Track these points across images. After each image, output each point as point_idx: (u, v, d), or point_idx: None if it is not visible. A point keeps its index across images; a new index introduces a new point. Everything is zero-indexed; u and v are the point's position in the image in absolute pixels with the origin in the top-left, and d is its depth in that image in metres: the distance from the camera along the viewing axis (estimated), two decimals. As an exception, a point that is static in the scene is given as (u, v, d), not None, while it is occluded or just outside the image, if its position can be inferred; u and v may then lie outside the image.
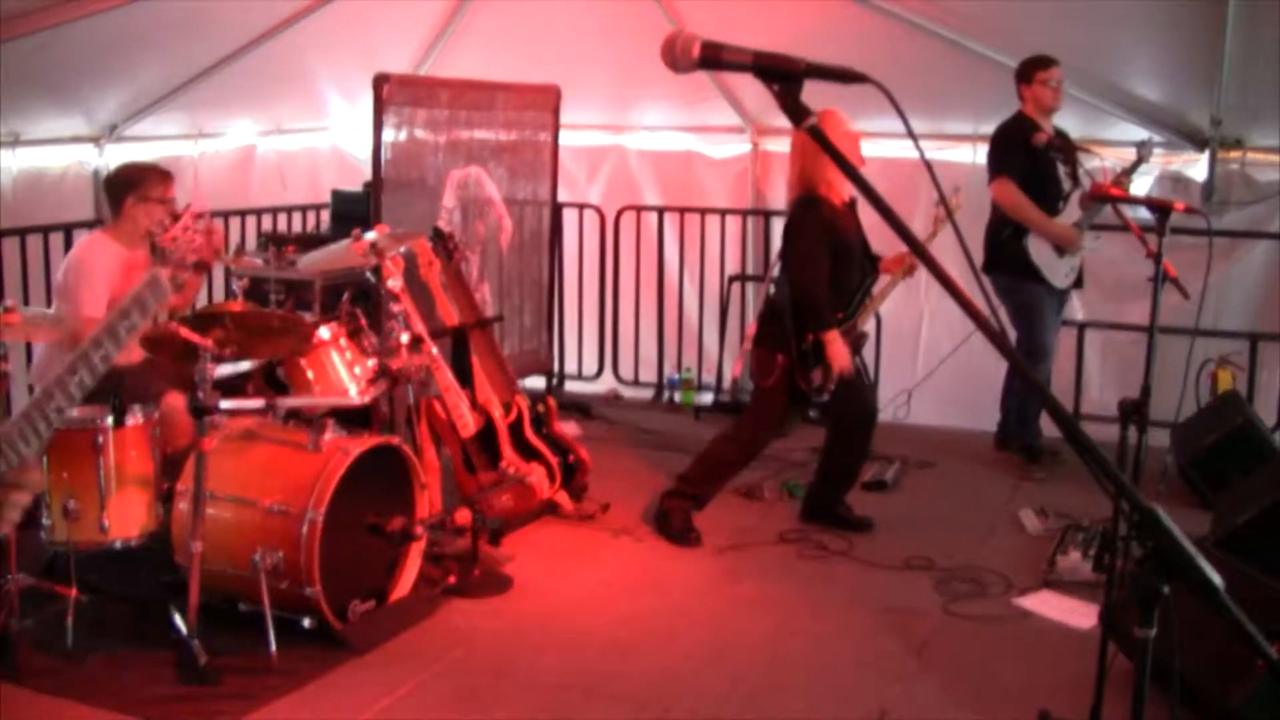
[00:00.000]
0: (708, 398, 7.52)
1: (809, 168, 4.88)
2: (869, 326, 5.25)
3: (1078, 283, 6.06)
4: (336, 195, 7.53)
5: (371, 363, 4.60)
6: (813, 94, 1.52)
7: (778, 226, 7.51)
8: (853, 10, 6.48)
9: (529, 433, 5.24)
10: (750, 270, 7.76)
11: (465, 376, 5.23)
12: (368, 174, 7.90)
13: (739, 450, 5.24)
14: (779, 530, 5.24)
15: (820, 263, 4.85)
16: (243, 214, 7.43)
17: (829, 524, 5.26)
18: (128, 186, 4.66)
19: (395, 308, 4.68)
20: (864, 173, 1.49)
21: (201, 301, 5.97)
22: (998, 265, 5.85)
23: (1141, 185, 6.33)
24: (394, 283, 4.66)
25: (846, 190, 4.97)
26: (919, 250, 1.56)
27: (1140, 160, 5.62)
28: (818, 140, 1.53)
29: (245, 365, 4.77)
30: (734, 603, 4.55)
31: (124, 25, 5.47)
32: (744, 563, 4.92)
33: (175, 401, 4.45)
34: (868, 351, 7.24)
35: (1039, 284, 5.84)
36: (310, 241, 6.60)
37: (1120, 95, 6.44)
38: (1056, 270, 5.85)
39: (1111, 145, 6.46)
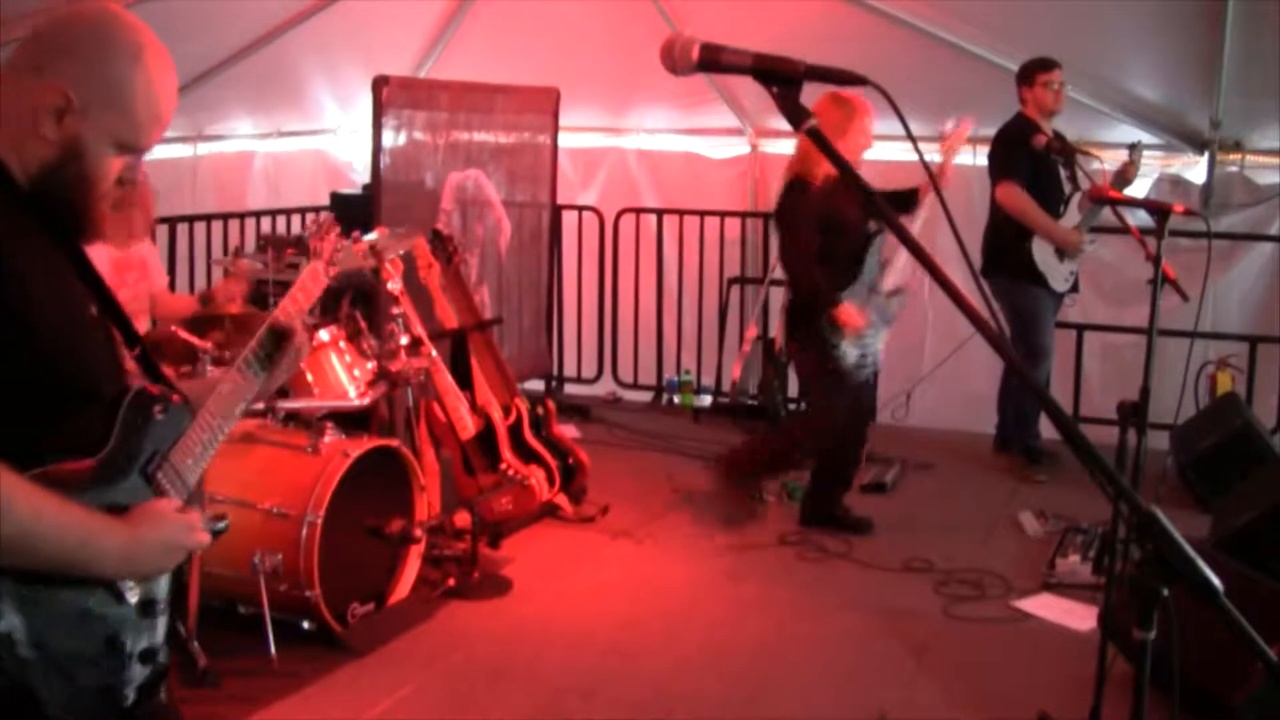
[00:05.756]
0: (707, 400, 7.52)
1: (805, 147, 4.86)
2: (896, 281, 5.17)
3: (1074, 286, 6.06)
4: (335, 198, 7.53)
5: (371, 365, 4.59)
6: (813, 96, 1.52)
7: (777, 228, 7.53)
8: (852, 12, 6.48)
9: (528, 435, 5.24)
10: (749, 273, 7.76)
11: (464, 379, 5.23)
12: (360, 178, 7.94)
13: (791, 446, 5.30)
14: (779, 532, 5.24)
15: (805, 244, 4.86)
16: (241, 216, 7.43)
17: (829, 527, 5.27)
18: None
19: (395, 310, 4.69)
20: (864, 173, 1.49)
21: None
22: (999, 268, 5.84)
23: (1141, 187, 6.33)
24: (393, 285, 4.67)
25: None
26: (919, 252, 1.56)
27: (1130, 165, 5.62)
28: (817, 143, 1.53)
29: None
30: (734, 605, 4.55)
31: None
32: (744, 565, 4.91)
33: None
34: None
35: (1039, 287, 5.84)
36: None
37: (1120, 97, 6.45)
38: (1057, 274, 5.85)
39: (1110, 147, 6.47)
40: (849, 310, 4.84)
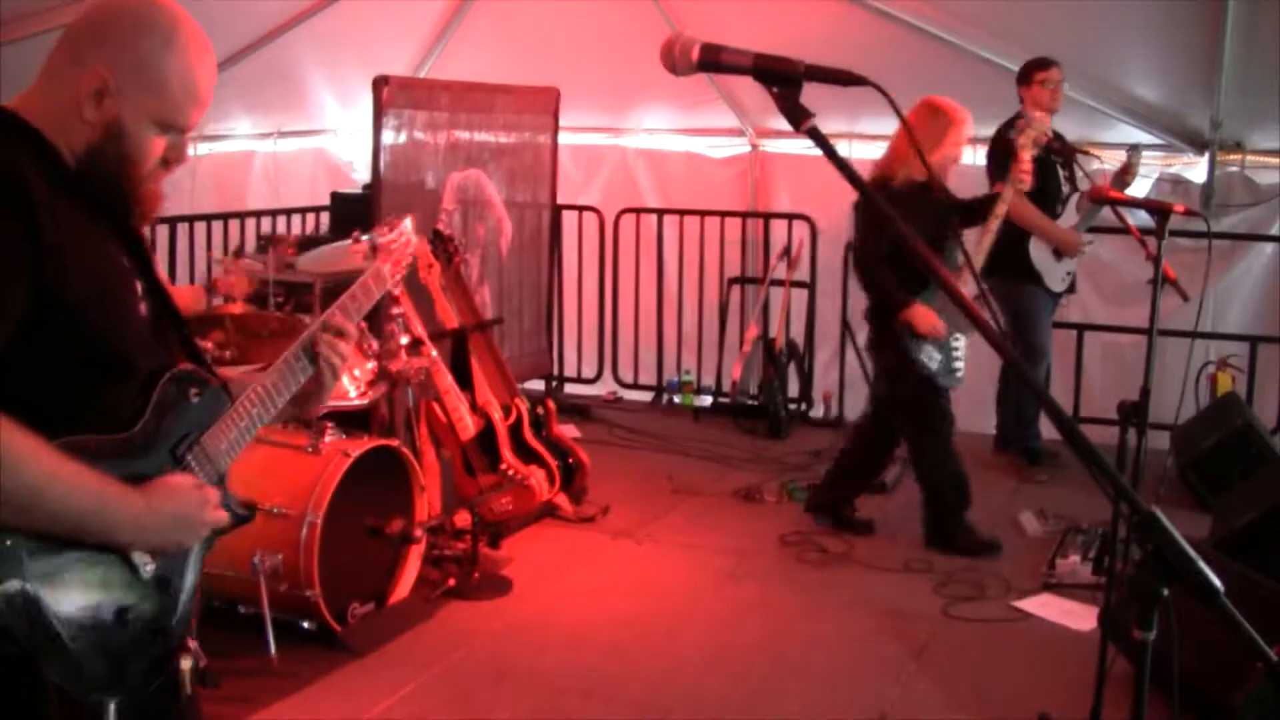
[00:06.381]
0: (707, 400, 7.52)
1: (899, 149, 4.80)
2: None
3: (1071, 287, 6.07)
4: (336, 198, 7.53)
5: (371, 365, 4.59)
6: (813, 96, 1.52)
7: (777, 228, 7.53)
8: (852, 12, 6.49)
9: (528, 435, 5.24)
10: (750, 273, 7.76)
11: (465, 379, 5.22)
12: (360, 178, 7.93)
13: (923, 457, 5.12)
14: (779, 533, 5.24)
15: (874, 247, 4.80)
16: (241, 216, 7.43)
17: (832, 522, 5.25)
18: None
19: (395, 310, 4.68)
20: (863, 174, 1.49)
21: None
22: (997, 268, 5.84)
23: (1141, 187, 6.33)
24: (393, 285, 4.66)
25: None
26: (919, 252, 1.56)
27: (1129, 167, 5.61)
28: (817, 142, 1.53)
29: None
30: (734, 605, 4.55)
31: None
32: (744, 565, 4.91)
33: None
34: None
35: (1037, 287, 5.84)
36: (310, 244, 6.59)
37: (1120, 97, 6.45)
38: (1054, 274, 5.86)
39: (1110, 147, 6.47)
40: (921, 312, 4.77)
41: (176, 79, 1.74)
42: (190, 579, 1.85)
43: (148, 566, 1.75)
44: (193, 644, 1.91)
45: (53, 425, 1.63)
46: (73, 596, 1.65)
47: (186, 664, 1.89)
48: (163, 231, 6.56)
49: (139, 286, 1.82)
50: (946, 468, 5.03)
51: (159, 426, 1.78)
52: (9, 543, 1.58)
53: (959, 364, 4.92)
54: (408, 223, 2.27)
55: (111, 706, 1.70)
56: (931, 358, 4.84)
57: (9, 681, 1.62)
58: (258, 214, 7.60)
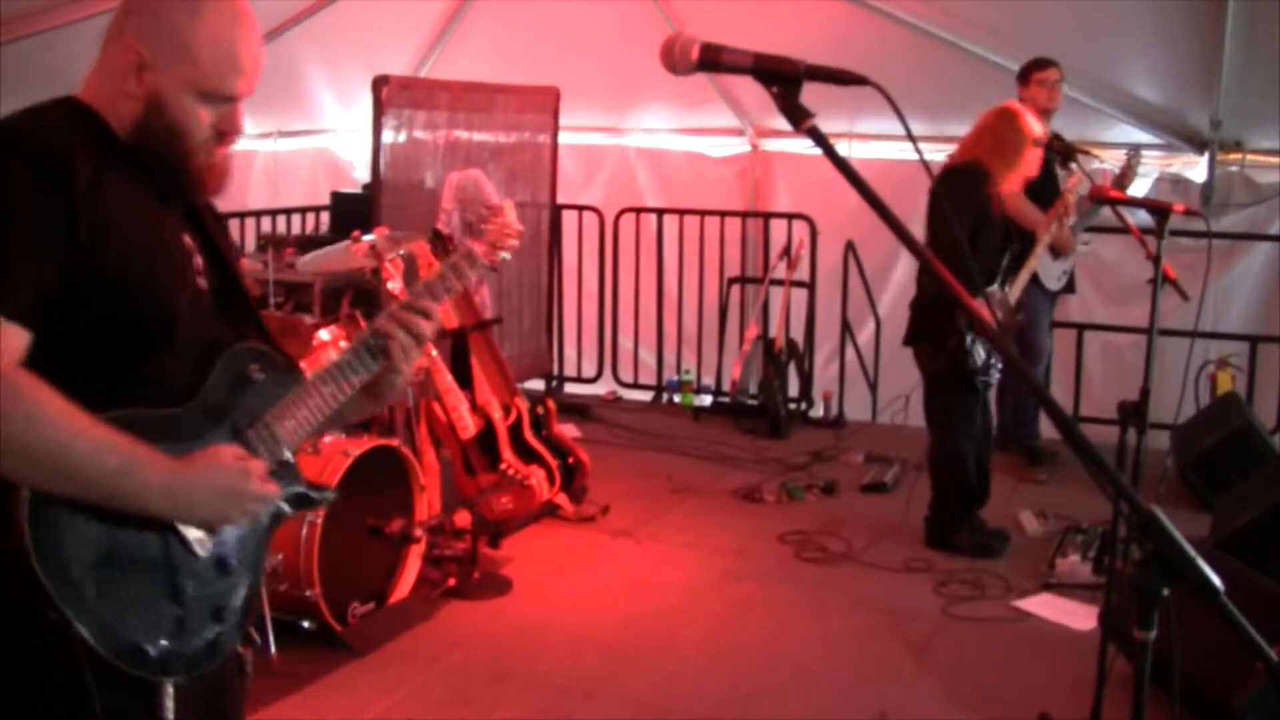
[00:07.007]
0: (707, 400, 7.52)
1: (988, 147, 4.79)
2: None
3: (1069, 287, 6.06)
4: (336, 197, 7.53)
5: (371, 365, 4.59)
6: (813, 96, 1.52)
7: (777, 228, 7.53)
8: (852, 12, 6.49)
9: (528, 435, 5.24)
10: (750, 272, 7.76)
11: (464, 379, 5.22)
12: (360, 177, 7.93)
13: (953, 459, 5.01)
14: (779, 532, 5.23)
15: (958, 228, 4.68)
16: (241, 216, 7.43)
17: (952, 549, 4.97)
18: None
19: (395, 309, 4.67)
20: (862, 173, 1.49)
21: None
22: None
23: (1141, 187, 6.34)
24: (394, 285, 4.66)
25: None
26: (919, 253, 1.56)
27: (1127, 169, 5.62)
28: (817, 142, 1.53)
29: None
30: (734, 604, 4.55)
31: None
32: (744, 565, 4.91)
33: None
34: (868, 352, 7.28)
35: (1033, 286, 5.83)
36: (309, 243, 6.60)
37: (1119, 97, 6.45)
38: (1050, 273, 5.86)
39: (1110, 147, 6.47)
40: (998, 296, 4.76)
41: (207, 46, 1.72)
42: (253, 563, 1.81)
43: (204, 545, 1.72)
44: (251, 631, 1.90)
45: (100, 398, 1.62)
46: (122, 573, 1.63)
47: (247, 649, 1.88)
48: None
49: (199, 261, 1.81)
50: (965, 470, 5.00)
51: (217, 401, 1.75)
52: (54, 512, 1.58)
53: (998, 365, 4.85)
54: (510, 208, 2.16)
55: (169, 687, 1.69)
56: (978, 354, 4.80)
57: (56, 651, 1.60)
58: (258, 213, 7.61)
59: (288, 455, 1.83)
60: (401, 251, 4.87)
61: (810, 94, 1.52)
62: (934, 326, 4.83)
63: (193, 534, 1.70)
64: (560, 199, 7.29)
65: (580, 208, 7.77)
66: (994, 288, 4.84)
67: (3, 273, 1.59)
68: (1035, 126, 4.82)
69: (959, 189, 4.76)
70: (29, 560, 1.56)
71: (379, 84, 5.73)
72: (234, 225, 7.30)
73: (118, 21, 1.76)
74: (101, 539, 1.62)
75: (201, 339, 1.77)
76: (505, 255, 2.12)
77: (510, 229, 2.11)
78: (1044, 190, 5.78)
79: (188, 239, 1.81)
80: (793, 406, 7.14)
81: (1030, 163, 4.82)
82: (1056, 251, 5.82)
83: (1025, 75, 5.82)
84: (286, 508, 1.86)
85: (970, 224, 4.72)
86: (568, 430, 6.06)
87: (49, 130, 1.68)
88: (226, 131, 1.79)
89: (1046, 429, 6.22)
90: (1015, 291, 4.98)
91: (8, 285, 1.58)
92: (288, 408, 1.83)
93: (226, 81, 1.75)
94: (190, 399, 1.74)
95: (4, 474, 1.56)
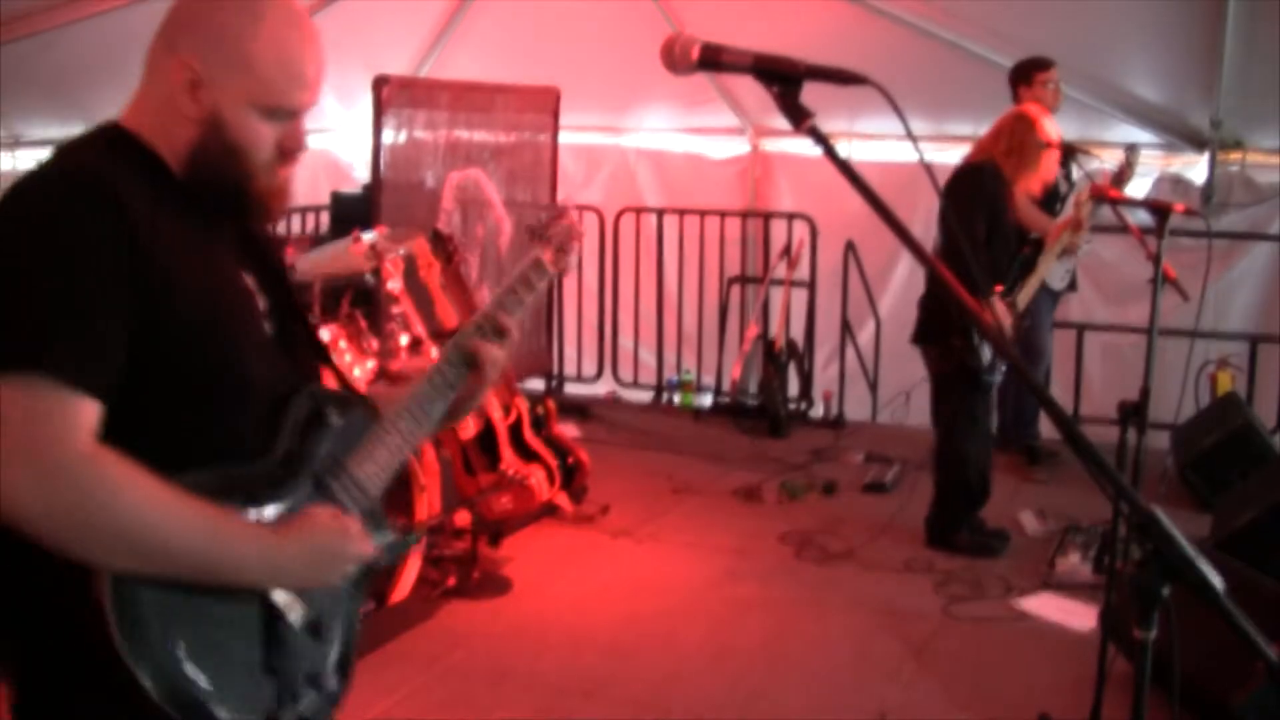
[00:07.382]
0: (707, 400, 7.52)
1: (1004, 148, 4.80)
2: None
3: (1072, 284, 6.06)
4: (336, 197, 7.53)
5: (371, 364, 4.59)
6: (813, 96, 1.52)
7: (777, 228, 7.53)
8: (852, 12, 6.49)
9: (528, 435, 5.23)
10: (750, 272, 7.76)
11: (465, 379, 5.21)
12: (360, 177, 7.92)
13: (962, 464, 5.01)
14: (779, 532, 5.23)
15: (977, 227, 4.73)
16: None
17: (953, 549, 4.98)
18: None
19: (395, 310, 4.68)
20: (863, 173, 1.49)
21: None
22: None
23: (1141, 187, 6.33)
24: (394, 285, 4.66)
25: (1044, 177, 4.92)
26: (919, 253, 1.56)
27: (1126, 168, 5.61)
28: (818, 141, 1.53)
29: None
30: (734, 604, 4.55)
31: (124, 26, 5.48)
32: (744, 564, 4.91)
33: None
34: (868, 352, 7.27)
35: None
36: (309, 243, 6.60)
37: (1119, 96, 6.45)
38: (1054, 272, 5.85)
39: (1110, 147, 6.46)
40: (1000, 307, 4.77)
41: (270, 56, 1.57)
42: (346, 621, 1.70)
43: (296, 613, 1.59)
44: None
45: (172, 460, 1.49)
46: (212, 651, 1.49)
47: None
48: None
49: (261, 304, 1.67)
50: (968, 469, 4.99)
51: (295, 453, 1.62)
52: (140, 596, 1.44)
53: (1002, 363, 4.85)
54: (572, 209, 2.07)
55: None
56: (984, 353, 4.79)
57: None
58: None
59: (375, 503, 1.72)
60: (401, 251, 4.87)
61: (810, 94, 1.52)
62: (944, 326, 4.83)
63: (284, 600, 1.58)
64: (560, 199, 7.29)
65: (580, 207, 7.76)
66: (999, 295, 4.84)
67: (75, 340, 1.43)
68: (1052, 130, 4.83)
69: (973, 186, 4.78)
70: (119, 654, 1.40)
71: (379, 84, 5.73)
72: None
73: (165, 36, 1.59)
74: (190, 616, 1.48)
75: (271, 384, 1.63)
76: (572, 260, 2.01)
77: (575, 231, 2.01)
78: (1044, 192, 5.79)
79: (248, 279, 1.67)
80: (793, 406, 7.14)
81: (1048, 167, 4.84)
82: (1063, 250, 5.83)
83: (1028, 76, 5.81)
84: (381, 560, 1.74)
85: (985, 221, 4.74)
86: (568, 430, 6.05)
87: (99, 169, 1.52)
88: (290, 149, 1.64)
89: (1046, 429, 6.22)
90: (1024, 298, 4.98)
91: (84, 354, 1.43)
92: (367, 450, 1.70)
93: (290, 94, 1.60)
94: (265, 450, 1.61)
95: (93, 561, 1.42)
